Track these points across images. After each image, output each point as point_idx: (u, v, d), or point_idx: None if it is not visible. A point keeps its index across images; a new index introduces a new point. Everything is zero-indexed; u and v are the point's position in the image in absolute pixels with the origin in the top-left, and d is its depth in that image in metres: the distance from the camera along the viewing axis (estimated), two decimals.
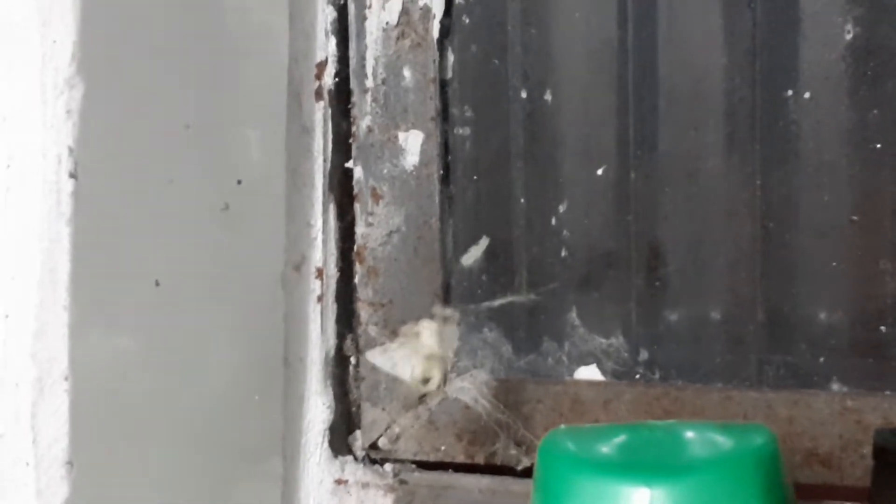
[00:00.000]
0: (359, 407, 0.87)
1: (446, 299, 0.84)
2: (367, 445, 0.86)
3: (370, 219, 0.86)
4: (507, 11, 0.83)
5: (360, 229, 0.86)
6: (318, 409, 0.86)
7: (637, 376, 0.81)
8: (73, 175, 0.67)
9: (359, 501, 0.85)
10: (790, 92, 0.76)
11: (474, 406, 0.83)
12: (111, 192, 0.70)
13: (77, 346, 0.67)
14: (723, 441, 0.63)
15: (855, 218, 0.75)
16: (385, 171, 0.85)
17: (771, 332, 0.77)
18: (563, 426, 0.71)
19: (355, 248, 0.87)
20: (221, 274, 0.78)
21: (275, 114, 0.83)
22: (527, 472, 0.79)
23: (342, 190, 0.87)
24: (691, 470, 0.61)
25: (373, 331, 0.86)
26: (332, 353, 0.86)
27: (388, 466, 0.86)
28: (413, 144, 0.85)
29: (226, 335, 0.78)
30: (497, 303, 0.84)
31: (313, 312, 0.86)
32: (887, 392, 0.74)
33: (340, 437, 0.87)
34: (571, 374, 0.82)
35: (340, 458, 0.86)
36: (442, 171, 0.84)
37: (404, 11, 0.84)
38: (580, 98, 0.82)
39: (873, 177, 0.75)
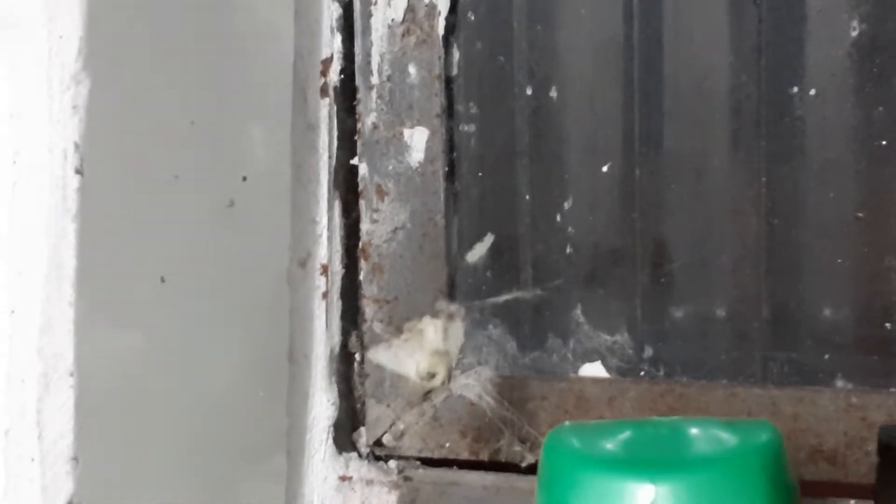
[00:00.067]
0: (363, 404, 0.87)
1: (451, 296, 0.85)
2: (371, 442, 0.86)
3: (375, 215, 0.86)
4: (512, 8, 0.83)
5: (365, 226, 0.86)
6: (322, 406, 0.86)
7: (642, 373, 0.80)
8: (78, 171, 0.67)
9: (363, 498, 0.85)
10: (796, 89, 0.76)
11: (479, 403, 0.83)
12: (117, 188, 0.70)
13: (83, 342, 0.67)
14: (727, 438, 0.63)
15: (860, 215, 0.75)
16: (390, 167, 0.85)
17: (776, 328, 0.77)
18: (567, 423, 0.71)
19: (360, 244, 0.87)
20: (226, 270, 0.78)
21: (280, 110, 0.83)
22: (531, 469, 0.79)
23: (347, 186, 0.87)
24: (696, 467, 0.61)
25: (377, 327, 0.86)
26: (337, 349, 0.86)
27: (392, 463, 0.86)
28: (418, 141, 0.85)
29: (230, 331, 0.78)
30: (502, 299, 0.84)
31: (318, 309, 0.86)
32: (892, 389, 0.74)
33: (345, 433, 0.87)
34: (576, 371, 0.82)
35: (345, 454, 0.86)
36: (447, 168, 0.84)
37: (410, 8, 0.84)
38: (585, 95, 0.82)
39: (879, 174, 0.75)
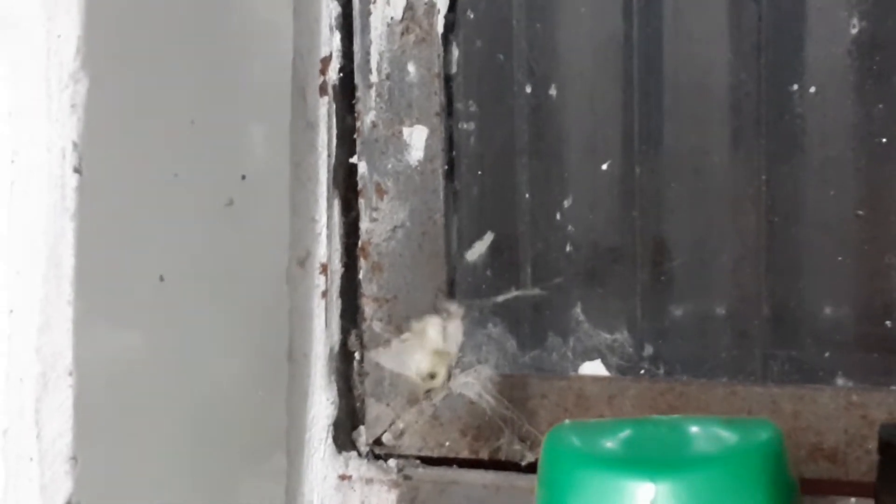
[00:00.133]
0: (363, 402, 0.87)
1: (451, 294, 0.84)
2: (371, 441, 0.86)
3: (374, 214, 0.86)
4: (511, 6, 0.83)
5: (364, 225, 0.86)
6: (322, 405, 0.86)
7: (642, 371, 0.80)
8: (77, 170, 0.67)
9: (363, 497, 0.85)
10: (796, 86, 0.76)
11: (478, 401, 0.83)
12: (115, 187, 0.69)
13: (81, 342, 0.67)
14: (728, 436, 0.63)
15: (861, 212, 0.75)
16: (389, 166, 0.85)
17: (776, 326, 0.77)
18: (567, 421, 0.71)
19: (360, 243, 0.86)
20: (225, 269, 0.78)
21: (279, 109, 0.83)
22: (531, 468, 0.79)
23: (346, 185, 0.87)
24: (696, 465, 0.61)
25: (377, 326, 0.86)
26: (337, 348, 0.86)
27: (392, 462, 0.86)
28: (417, 140, 0.85)
29: (230, 331, 0.78)
30: (502, 298, 0.84)
31: (317, 308, 0.86)
32: (893, 387, 0.74)
33: (344, 432, 0.87)
34: (576, 370, 0.82)
35: (344, 453, 0.86)
36: (446, 167, 0.84)
37: (409, 6, 0.84)
38: (585, 93, 0.82)
39: (879, 171, 0.75)
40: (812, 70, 0.76)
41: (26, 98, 0.67)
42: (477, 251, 0.85)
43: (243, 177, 0.79)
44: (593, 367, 0.81)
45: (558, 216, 0.82)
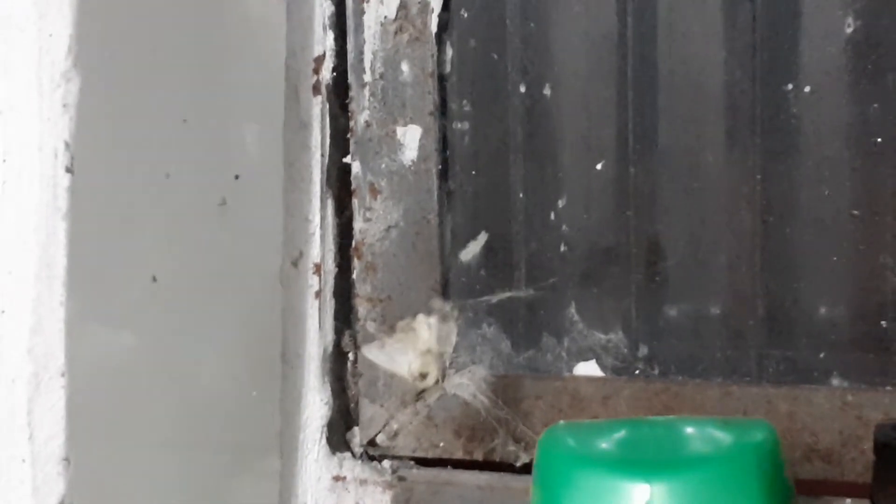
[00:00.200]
0: (357, 403, 0.87)
1: (445, 295, 0.84)
2: (365, 442, 0.86)
3: (368, 214, 0.85)
4: (505, 5, 0.83)
5: (358, 225, 0.86)
6: (315, 406, 0.86)
7: (636, 372, 0.80)
8: (69, 170, 0.66)
9: (357, 498, 0.85)
10: (790, 86, 0.76)
11: (473, 402, 0.83)
12: (108, 186, 0.69)
13: (73, 342, 0.67)
14: (723, 436, 0.63)
15: (856, 212, 0.75)
16: (383, 166, 0.85)
17: (771, 327, 0.77)
18: (562, 422, 0.71)
19: (353, 243, 0.86)
20: (218, 269, 0.77)
21: (272, 108, 0.83)
22: (526, 469, 0.79)
23: (340, 185, 0.86)
24: (691, 465, 0.61)
25: (371, 326, 0.86)
26: (330, 349, 0.86)
27: (386, 463, 0.85)
28: (411, 139, 0.84)
29: (223, 331, 0.78)
30: (496, 298, 0.84)
31: (311, 308, 0.86)
32: (888, 387, 0.74)
33: (338, 433, 0.86)
34: (571, 370, 0.82)
35: (338, 454, 0.86)
36: (440, 166, 0.84)
37: (402, 5, 0.84)
38: (579, 92, 0.82)
39: (874, 171, 0.74)
40: (807, 69, 0.75)
41: (18, 97, 0.67)
42: (471, 251, 0.84)
43: (236, 176, 0.79)
44: (588, 368, 0.81)
45: (552, 216, 0.82)
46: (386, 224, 0.85)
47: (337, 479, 0.86)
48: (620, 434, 0.65)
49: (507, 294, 0.83)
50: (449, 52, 0.85)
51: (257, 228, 0.81)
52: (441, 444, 0.84)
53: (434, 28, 0.84)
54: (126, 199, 0.70)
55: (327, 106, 0.86)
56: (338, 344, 0.86)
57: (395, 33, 0.84)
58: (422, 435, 0.85)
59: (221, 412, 0.77)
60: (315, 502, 0.85)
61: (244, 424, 0.80)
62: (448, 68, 0.85)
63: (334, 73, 0.86)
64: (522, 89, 0.83)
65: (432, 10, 0.83)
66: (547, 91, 0.82)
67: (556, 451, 0.64)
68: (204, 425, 0.76)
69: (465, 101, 0.84)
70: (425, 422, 0.84)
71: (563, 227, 0.82)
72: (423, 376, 0.84)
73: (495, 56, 0.84)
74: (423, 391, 0.84)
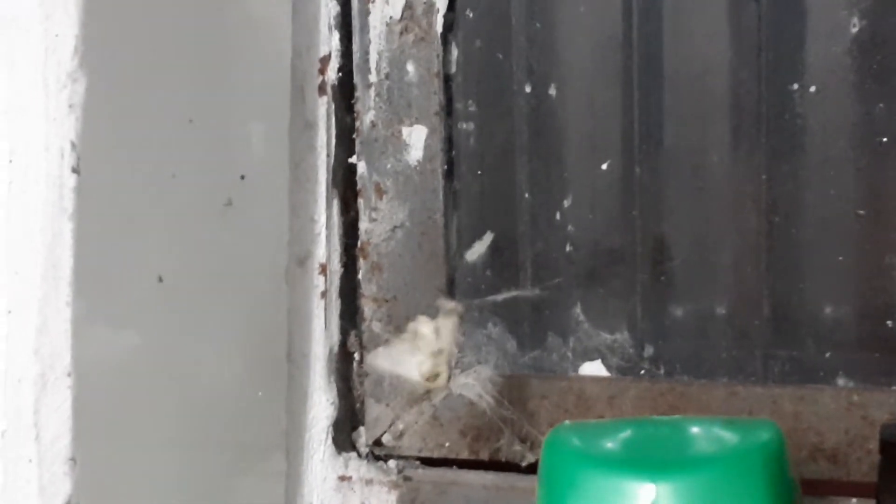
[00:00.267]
0: (362, 403, 0.87)
1: (450, 295, 0.84)
2: (370, 442, 0.86)
3: (374, 214, 0.86)
4: (511, 5, 0.83)
5: (363, 225, 0.86)
6: (321, 406, 0.86)
7: (642, 372, 0.80)
8: (75, 170, 0.67)
9: (362, 498, 0.85)
10: (796, 86, 0.76)
11: (478, 402, 0.83)
12: (114, 187, 0.69)
13: (80, 342, 0.67)
14: (728, 436, 0.63)
15: (861, 212, 0.75)
16: (389, 166, 0.85)
17: (777, 326, 0.77)
18: (567, 422, 0.71)
19: (359, 243, 0.86)
20: (224, 270, 0.77)
21: (278, 109, 0.83)
22: (531, 469, 0.79)
23: (346, 185, 0.86)
24: (697, 465, 0.61)
25: (377, 327, 0.86)
26: (336, 349, 0.86)
27: (391, 463, 0.85)
28: (417, 139, 0.84)
29: (229, 331, 0.78)
30: (501, 298, 0.84)
31: (317, 308, 0.86)
32: (894, 387, 0.74)
33: (344, 433, 0.86)
34: (576, 370, 0.82)
35: (344, 454, 0.86)
36: (446, 167, 0.84)
37: (408, 6, 0.84)
38: (585, 92, 0.81)
39: (880, 171, 0.74)
40: (812, 69, 0.75)
41: (24, 97, 0.67)
42: (476, 251, 0.84)
43: (242, 177, 0.79)
44: (593, 368, 0.81)
45: (558, 216, 0.82)
46: (391, 224, 0.85)
47: (342, 478, 0.86)
48: (626, 434, 0.65)
49: (513, 294, 0.83)
50: (454, 52, 0.85)
51: (263, 229, 0.81)
52: (447, 444, 0.84)
53: (439, 28, 0.84)
54: (132, 200, 0.70)
55: (333, 106, 0.86)
56: (343, 344, 0.86)
57: (401, 33, 0.84)
58: (427, 435, 0.85)
59: (227, 412, 0.77)
60: (321, 502, 0.85)
61: (250, 424, 0.80)
62: (453, 68, 0.85)
63: (340, 74, 0.86)
64: (528, 89, 0.83)
65: (438, 10, 0.83)
66: (552, 91, 0.82)
67: (562, 450, 0.64)
68: (209, 425, 0.76)
69: (470, 101, 0.84)
70: (431, 422, 0.84)
71: (569, 226, 0.82)
72: (431, 377, 0.84)
73: (501, 56, 0.84)
74: (429, 391, 0.84)
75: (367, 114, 0.85)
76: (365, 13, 0.85)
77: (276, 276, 0.82)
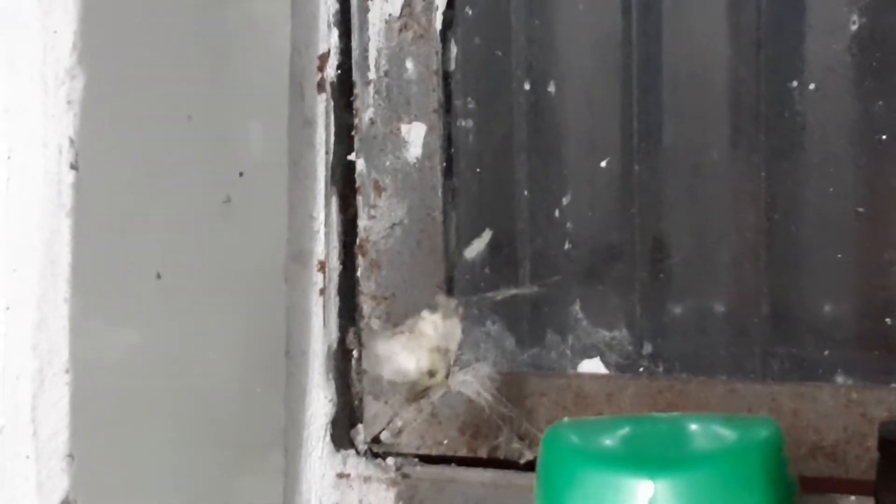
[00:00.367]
0: (361, 400, 0.87)
1: (449, 292, 0.84)
2: (369, 439, 0.86)
3: (373, 211, 0.85)
4: (510, 3, 0.83)
5: (362, 222, 0.86)
6: (320, 403, 0.85)
7: (641, 369, 0.80)
8: (73, 166, 0.66)
9: (361, 495, 0.85)
10: (795, 83, 0.76)
11: (477, 399, 0.83)
12: (112, 183, 0.69)
13: (78, 339, 0.67)
14: (727, 434, 0.63)
15: (860, 209, 0.75)
16: (388, 163, 0.85)
17: (776, 324, 0.77)
18: (566, 419, 0.71)
19: (358, 240, 0.86)
20: (223, 267, 0.77)
21: (277, 106, 0.82)
22: (530, 466, 0.78)
23: (345, 182, 0.86)
24: (695, 463, 0.61)
25: (375, 324, 0.86)
26: (335, 346, 0.86)
27: (390, 460, 0.85)
28: (416, 137, 0.84)
29: (227, 328, 0.78)
30: (500, 295, 0.84)
31: (315, 306, 0.86)
32: (893, 385, 0.74)
33: (342, 430, 0.86)
34: (575, 368, 0.82)
35: (342, 451, 0.86)
36: (445, 164, 0.84)
37: (407, 3, 0.84)
38: (584, 90, 0.81)
39: (879, 168, 0.74)
40: (812, 66, 0.75)
41: (22, 94, 0.67)
42: (475, 248, 0.84)
43: (241, 174, 0.79)
44: (592, 365, 0.81)
45: (557, 213, 0.82)
46: (390, 221, 0.85)
47: (341, 476, 0.86)
48: (624, 431, 0.65)
49: (512, 291, 0.83)
50: (453, 49, 0.84)
51: (262, 226, 0.81)
52: (445, 442, 0.84)
53: (439, 25, 0.84)
54: (130, 196, 0.70)
55: (332, 103, 0.86)
56: (342, 341, 0.86)
57: (400, 31, 0.84)
58: (426, 432, 0.84)
59: (225, 409, 0.77)
60: (319, 499, 0.85)
61: (248, 421, 0.79)
62: (453, 66, 0.85)
63: (339, 71, 0.86)
64: (527, 87, 0.83)
65: (437, 7, 0.83)
66: (551, 88, 0.82)
67: (560, 448, 0.64)
68: (208, 422, 0.76)
69: (469, 99, 0.84)
70: (429, 419, 0.84)
71: (568, 224, 0.82)
72: (429, 374, 0.84)
73: (500, 53, 0.84)
74: (427, 388, 0.84)
75: (366, 111, 0.85)
76: (364, 10, 0.85)
77: (275, 273, 0.82)
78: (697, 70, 0.78)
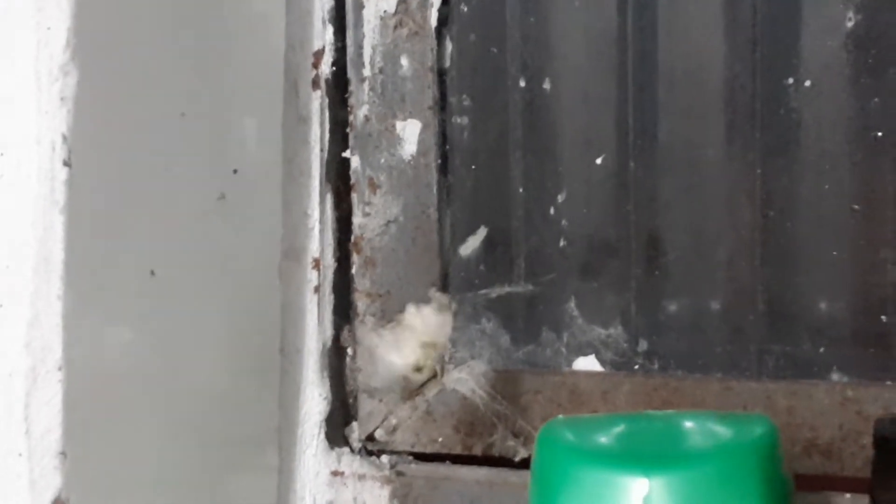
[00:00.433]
0: (355, 398, 0.86)
1: (444, 289, 0.84)
2: (363, 437, 0.86)
3: (367, 209, 0.85)
4: (505, 0, 0.83)
5: (357, 219, 0.86)
6: (314, 401, 0.85)
7: (636, 367, 0.80)
8: (67, 163, 0.66)
9: (355, 493, 0.85)
10: (791, 80, 0.76)
11: (472, 397, 0.83)
12: (106, 180, 0.69)
13: (71, 336, 0.67)
14: (722, 431, 0.63)
15: (856, 207, 0.75)
16: (382, 160, 0.85)
17: (771, 321, 0.77)
18: (561, 417, 0.71)
19: (352, 238, 0.86)
20: (217, 264, 0.77)
21: (271, 103, 0.82)
22: (525, 464, 0.78)
23: (339, 180, 0.86)
24: (690, 460, 0.61)
25: (370, 321, 0.85)
26: (329, 343, 0.86)
27: (384, 458, 0.85)
28: (411, 134, 0.84)
29: (221, 325, 0.78)
30: (495, 293, 0.83)
31: (310, 303, 0.85)
32: (888, 382, 0.74)
33: (337, 428, 0.86)
34: (570, 365, 0.82)
35: (337, 449, 0.86)
36: (440, 161, 0.84)
37: (402, 0, 0.84)
38: (579, 87, 0.81)
39: (874, 165, 0.74)
40: (807, 63, 0.75)
41: (15, 90, 0.67)
42: (470, 246, 0.84)
43: (235, 171, 0.78)
44: (587, 363, 0.81)
45: (552, 211, 0.82)
46: (385, 219, 0.85)
47: (335, 473, 0.85)
48: (619, 429, 0.65)
49: (507, 289, 0.83)
50: (448, 46, 0.84)
51: (256, 223, 0.81)
52: (440, 439, 0.84)
53: (434, 22, 0.83)
54: (124, 193, 0.70)
55: (326, 100, 0.85)
56: (336, 339, 0.86)
57: (395, 27, 0.84)
58: (420, 430, 0.84)
59: (219, 407, 0.77)
60: (313, 497, 0.85)
61: (242, 419, 0.79)
62: (448, 63, 0.84)
63: (334, 68, 0.86)
64: (522, 84, 0.83)
65: (432, 4, 0.83)
66: (547, 85, 0.82)
67: (555, 445, 0.63)
68: (202, 420, 0.76)
69: (464, 96, 0.84)
70: (424, 417, 0.84)
71: (563, 221, 0.82)
72: (427, 371, 0.84)
73: (495, 50, 0.83)
74: (422, 386, 0.84)
75: (361, 108, 0.85)
76: (359, 7, 0.85)
77: (269, 270, 0.82)
78: (693, 67, 0.78)
